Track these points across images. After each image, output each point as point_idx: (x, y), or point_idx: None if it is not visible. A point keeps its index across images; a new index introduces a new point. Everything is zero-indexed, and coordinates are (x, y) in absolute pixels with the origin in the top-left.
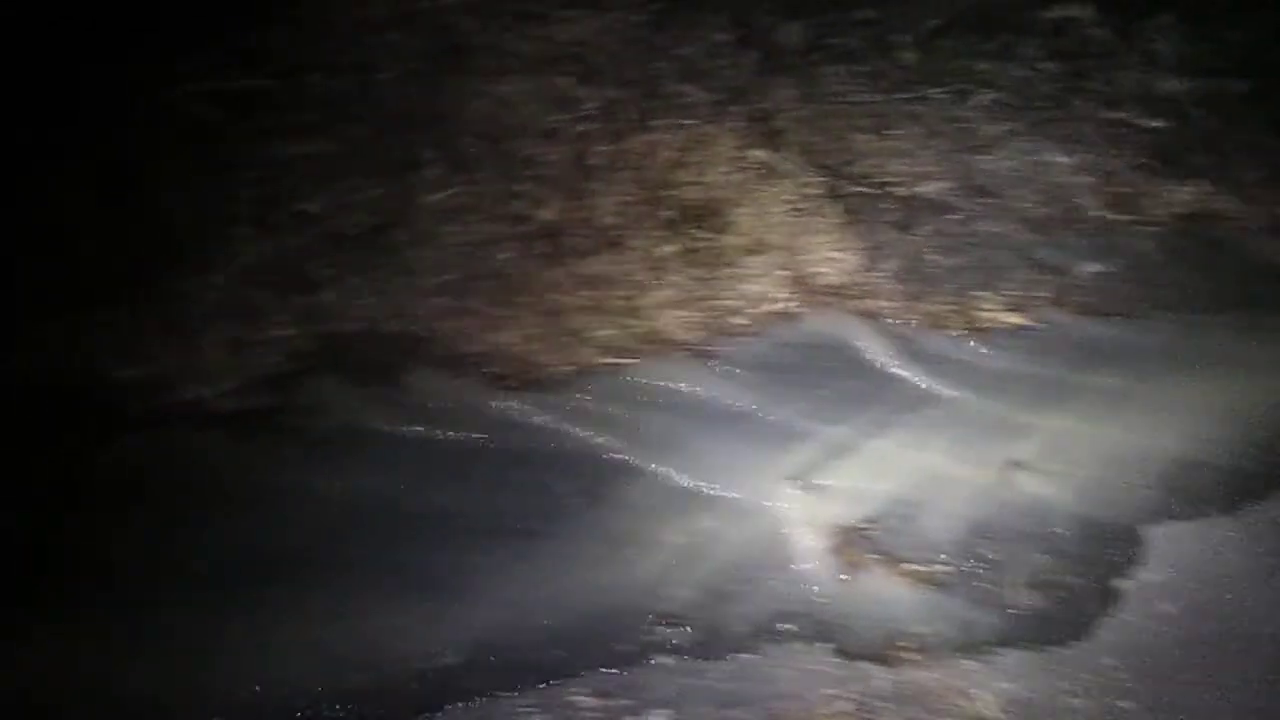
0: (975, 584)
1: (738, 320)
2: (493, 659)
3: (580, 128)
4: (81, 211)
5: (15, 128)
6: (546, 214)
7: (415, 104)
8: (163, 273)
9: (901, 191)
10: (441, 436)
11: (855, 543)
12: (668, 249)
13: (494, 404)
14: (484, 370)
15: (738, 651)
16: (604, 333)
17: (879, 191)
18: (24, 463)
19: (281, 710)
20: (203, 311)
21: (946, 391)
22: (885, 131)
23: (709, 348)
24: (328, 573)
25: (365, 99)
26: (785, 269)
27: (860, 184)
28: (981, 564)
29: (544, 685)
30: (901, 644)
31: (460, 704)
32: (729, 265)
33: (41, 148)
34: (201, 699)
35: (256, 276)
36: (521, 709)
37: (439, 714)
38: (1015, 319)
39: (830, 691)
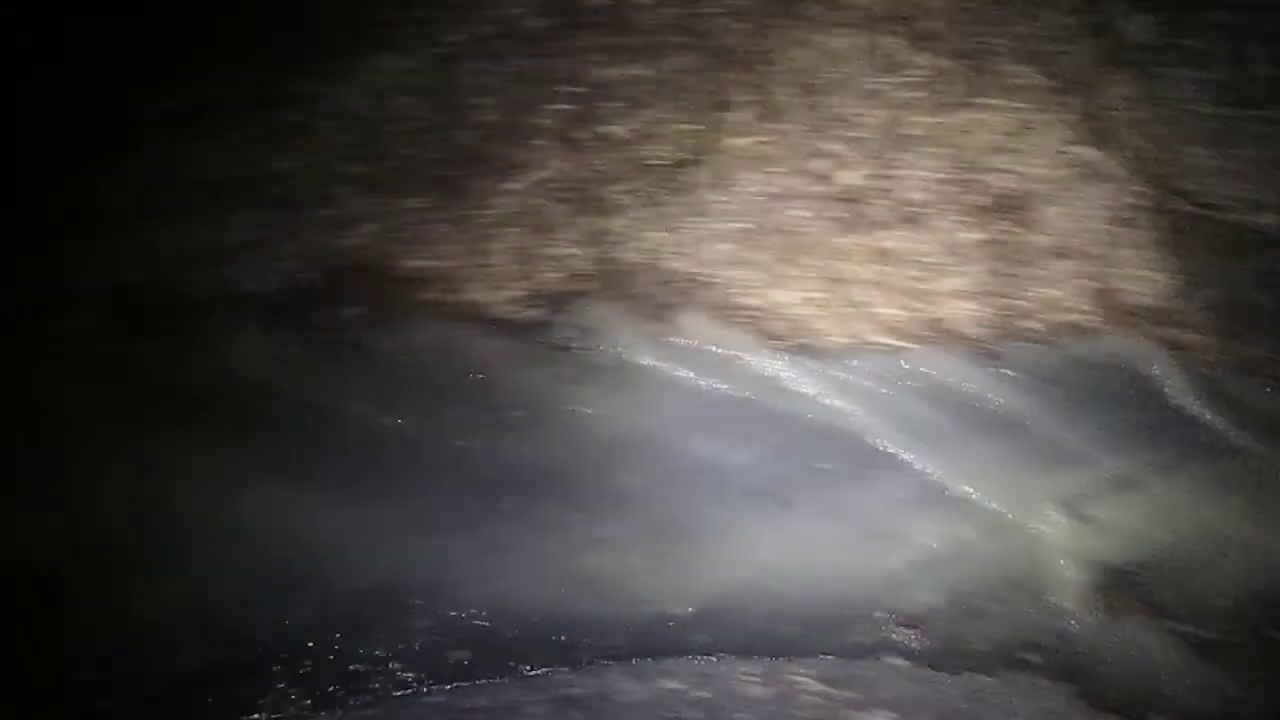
0: (1248, 658)
1: (1030, 324)
2: (723, 619)
3: (902, 94)
4: (402, 106)
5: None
6: (849, 178)
7: (738, 43)
8: (465, 173)
9: (1233, 218)
10: (706, 385)
11: (1121, 586)
12: (970, 236)
13: (763, 362)
14: (758, 326)
15: (975, 670)
16: (887, 311)
17: (1208, 213)
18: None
19: (513, 620)
20: (496, 216)
21: (1249, 444)
22: (1226, 149)
23: (995, 348)
24: (579, 497)
25: (689, 30)
26: (1091, 279)
27: (1189, 202)
28: (1259, 638)
29: (770, 658)
30: (1154, 705)
31: (682, 657)
32: (1031, 264)
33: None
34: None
35: (553, 191)
36: (742, 676)
37: (657, 661)
38: None
39: None
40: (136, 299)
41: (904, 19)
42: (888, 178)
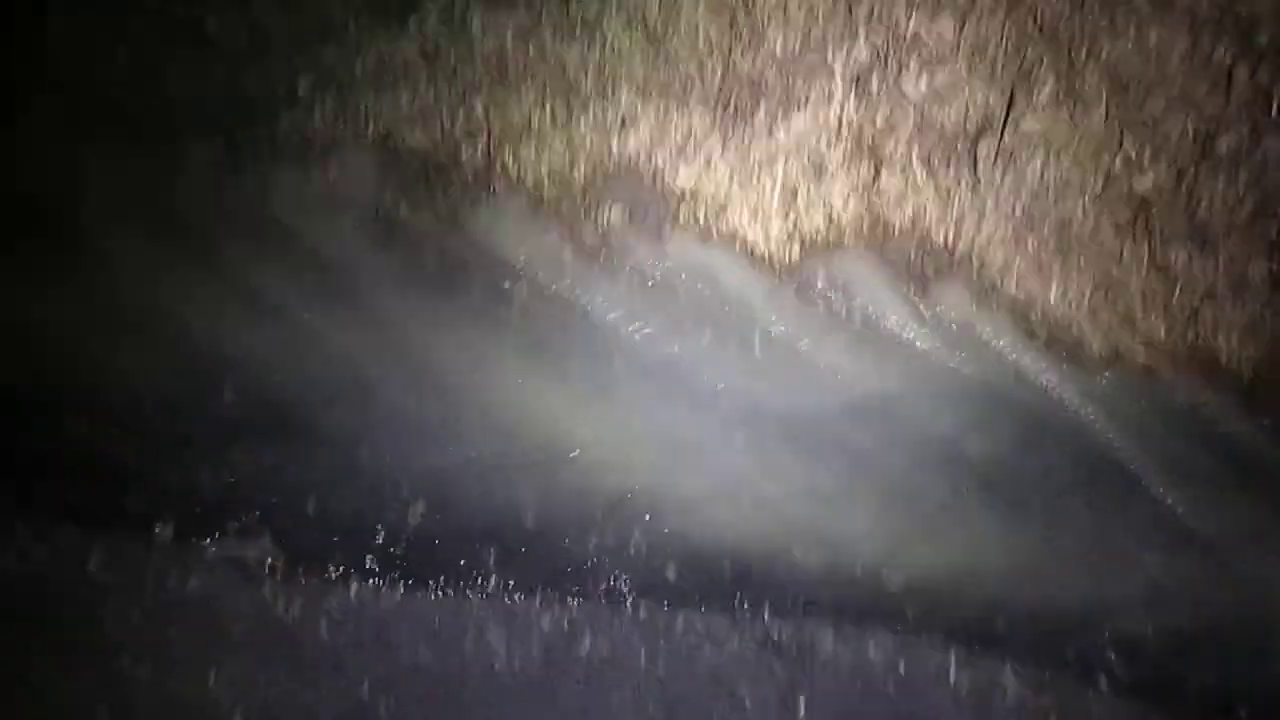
0: None
1: None
2: (935, 602)
3: (1217, 107)
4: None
5: None
6: (1143, 183)
7: (1054, 19)
8: (748, 99)
9: None
10: (952, 363)
11: None
12: (1260, 269)
13: (1015, 353)
14: (1016, 315)
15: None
16: (1156, 330)
17: None
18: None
19: (732, 554)
20: (771, 149)
21: None
22: None
23: (1265, 392)
24: (816, 450)
25: None
26: None
27: None
28: None
29: (974, 649)
30: None
31: (887, 629)
32: None
33: None
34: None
35: (832, 135)
36: (943, 662)
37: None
38: None
39: None
40: (418, 165)
41: (1234, 26)
42: (1185, 193)
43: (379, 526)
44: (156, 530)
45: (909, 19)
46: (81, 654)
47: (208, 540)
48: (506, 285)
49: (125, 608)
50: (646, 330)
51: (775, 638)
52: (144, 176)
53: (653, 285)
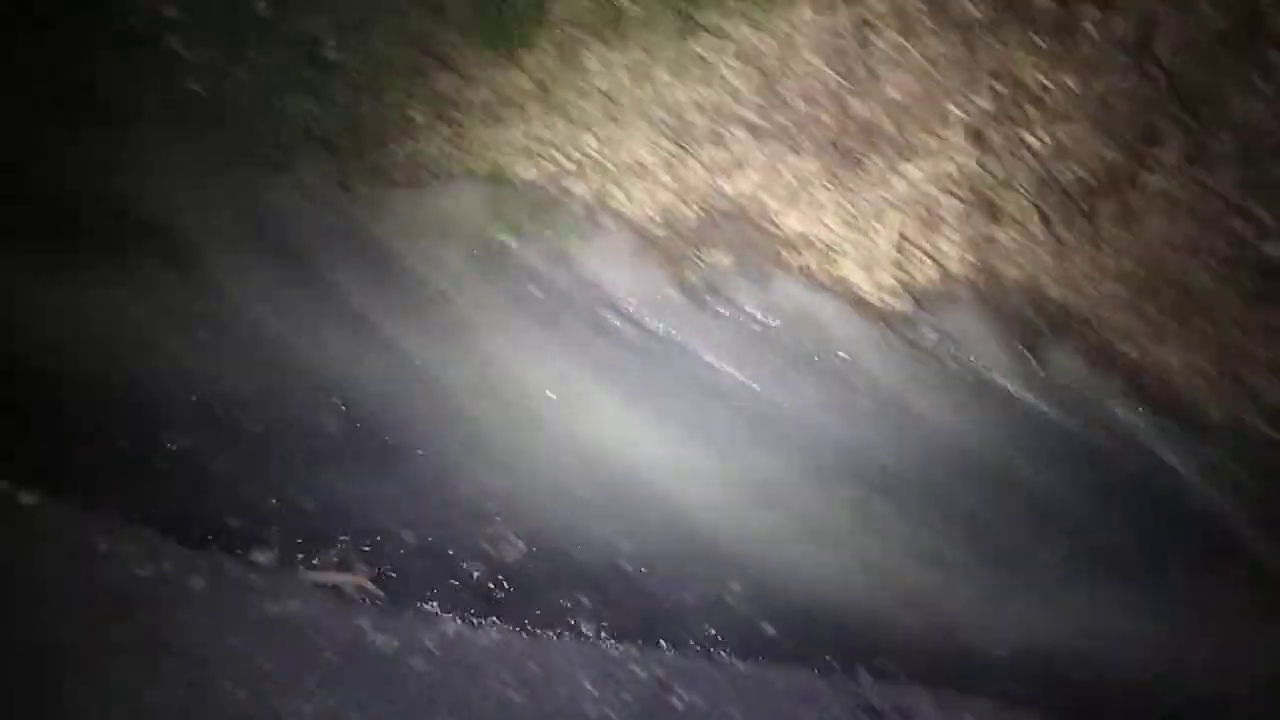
0: None
1: None
2: (1035, 670)
3: None
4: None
5: None
6: (1271, 249)
7: (1182, 76)
8: (862, 145)
9: None
10: (1063, 423)
11: None
12: None
13: (1128, 416)
14: (1131, 377)
15: None
16: (1277, 400)
17: None
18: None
19: (830, 611)
20: (885, 198)
21: None
22: None
23: None
24: (908, 503)
25: (1135, 52)
26: None
27: None
28: None
29: None
30: None
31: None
32: None
33: None
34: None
35: (949, 186)
36: None
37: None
38: None
39: None
40: (527, 198)
41: None
42: None
43: (476, 562)
44: (258, 553)
45: (1034, 72)
46: (180, 671)
47: (307, 566)
48: (611, 322)
49: (224, 628)
50: (749, 375)
51: (873, 702)
52: (257, 198)
53: (758, 329)
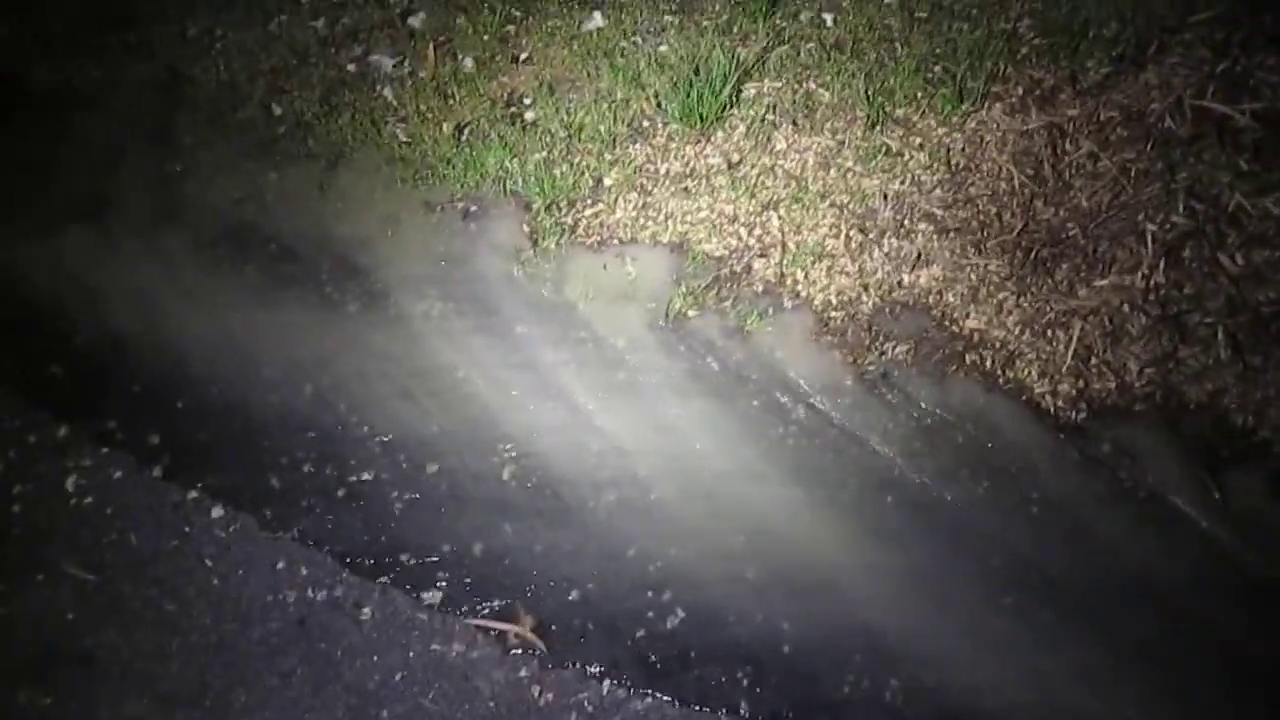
0: None
1: None
2: None
3: None
4: (998, 161)
5: None
6: None
7: None
8: (1051, 251)
9: None
10: (1235, 549)
11: None
12: None
13: None
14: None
15: None
16: None
17: None
18: (850, 350)
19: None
20: (1070, 306)
21: None
22: None
23: None
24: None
25: None
26: None
27: None
28: None
29: None
30: None
31: None
32: None
33: None
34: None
35: (1138, 301)
36: None
37: None
38: None
39: None
40: (711, 271)
41: None
42: None
43: (637, 627)
44: (427, 592)
45: (1233, 193)
46: (343, 697)
47: (473, 610)
48: (784, 403)
49: (390, 662)
50: (918, 468)
51: None
52: (449, 247)
53: (931, 424)
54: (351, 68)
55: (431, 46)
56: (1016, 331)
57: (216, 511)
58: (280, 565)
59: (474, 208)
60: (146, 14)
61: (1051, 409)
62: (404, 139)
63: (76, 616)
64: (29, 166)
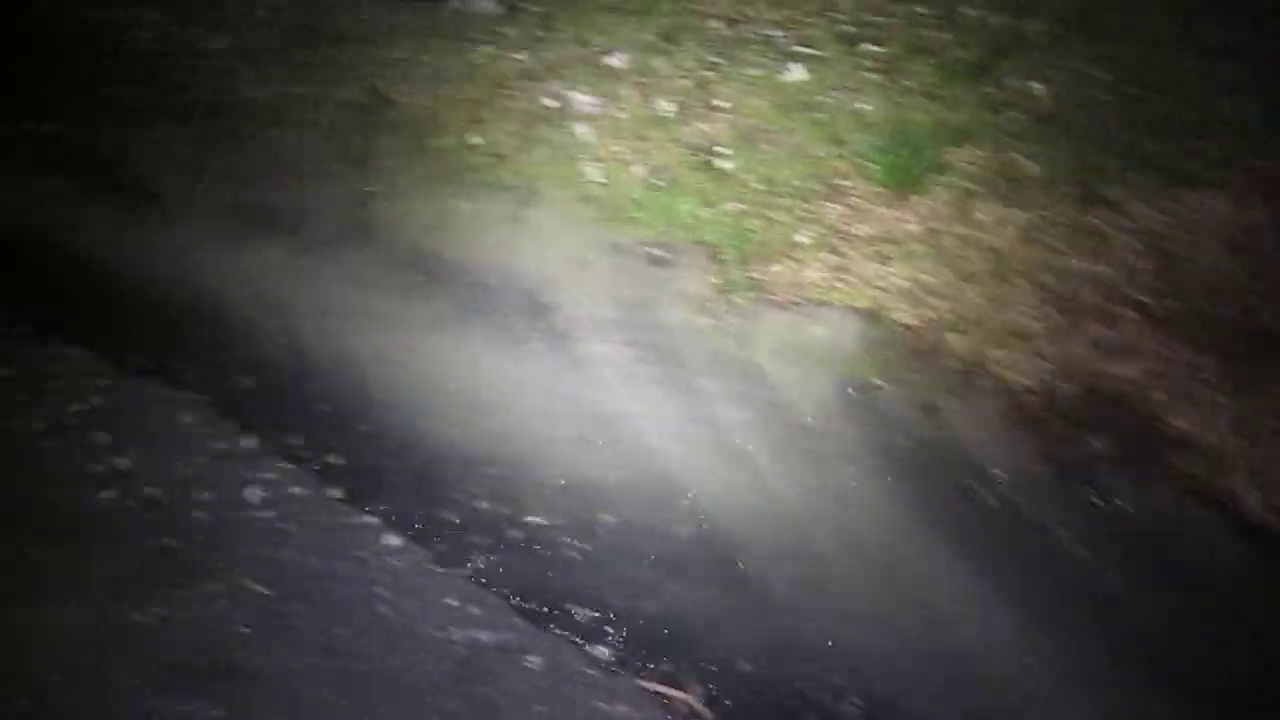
0: None
1: None
2: None
3: None
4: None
5: None
6: None
7: None
8: (1266, 355)
9: None
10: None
11: None
12: None
13: None
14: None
15: None
16: None
17: None
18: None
19: None
20: None
21: None
22: None
23: None
24: None
25: None
26: None
27: None
28: None
29: None
30: None
31: None
32: None
33: None
34: None
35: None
36: None
37: None
38: None
39: None
40: (904, 343)
41: None
42: None
43: (810, 712)
44: (595, 647)
45: None
46: None
47: (641, 671)
48: (974, 488)
49: (555, 714)
50: (1111, 570)
51: None
52: (636, 292)
53: (1128, 525)
54: (550, 103)
55: (630, 87)
56: (1230, 437)
57: (392, 540)
58: (451, 602)
59: (663, 254)
60: (355, 34)
61: (1262, 525)
62: (598, 178)
63: (249, 631)
64: (230, 178)
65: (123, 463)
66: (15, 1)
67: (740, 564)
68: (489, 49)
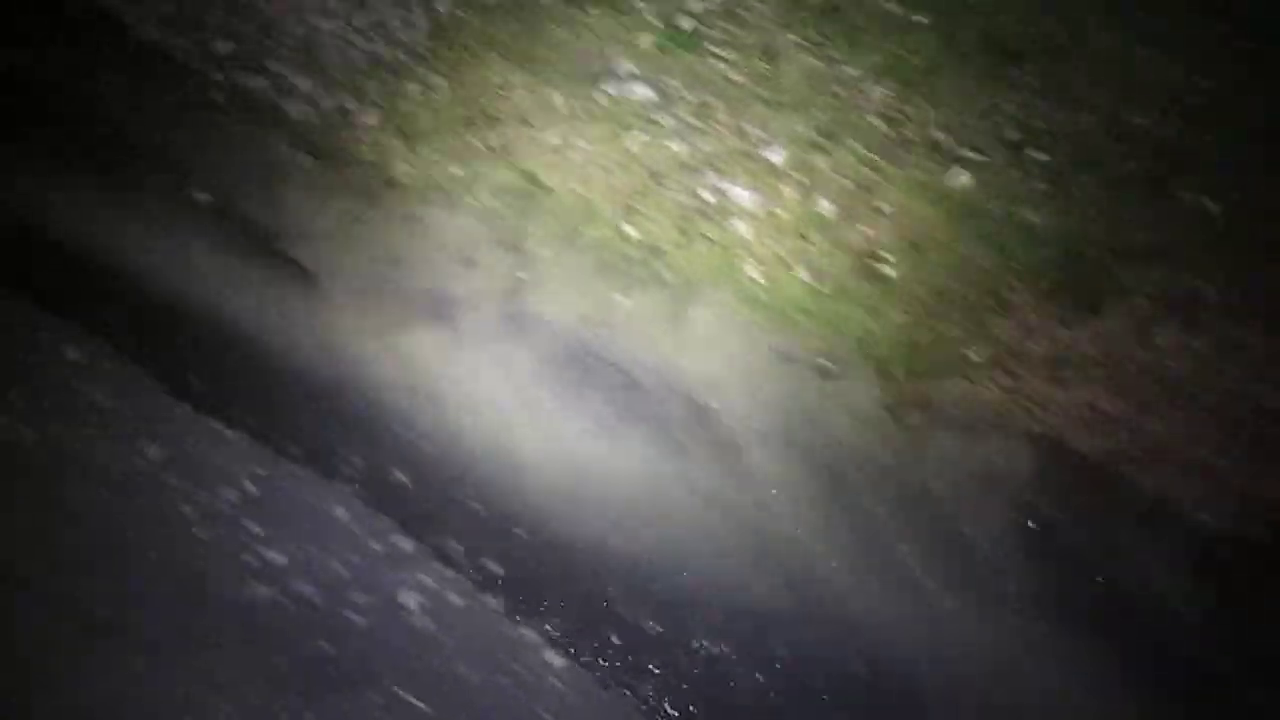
0: None
1: None
2: None
3: None
4: None
5: None
6: None
7: None
8: None
9: None
10: None
11: None
12: None
13: None
14: None
15: None
16: None
17: None
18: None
19: None
20: None
21: None
22: None
23: None
24: None
25: None
26: None
27: None
28: None
29: None
30: None
31: None
32: None
33: None
34: None
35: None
36: None
37: None
38: None
39: None
40: (1084, 475)
41: None
42: None
43: None
44: None
45: None
46: None
47: None
48: (1160, 636)
49: None
50: None
51: None
52: (804, 405)
53: None
54: (708, 197)
55: (789, 184)
56: None
57: (554, 659)
58: None
59: (829, 364)
60: (512, 117)
61: None
62: (759, 279)
63: None
64: (383, 259)
65: (276, 557)
66: (175, 68)
67: (925, 708)
68: (644, 137)
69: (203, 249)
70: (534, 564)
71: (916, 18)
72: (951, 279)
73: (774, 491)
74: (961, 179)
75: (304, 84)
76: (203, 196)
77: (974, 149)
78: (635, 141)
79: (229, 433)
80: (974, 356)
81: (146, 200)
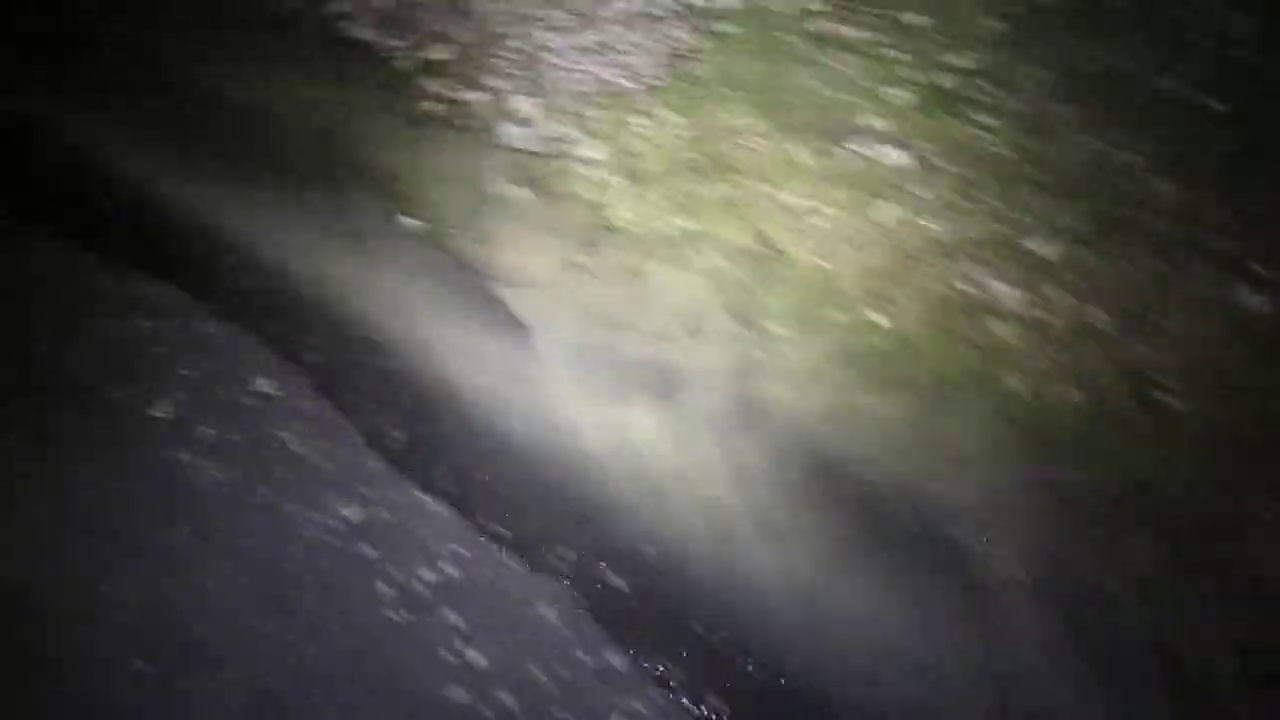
0: None
1: None
2: None
3: None
4: None
5: None
6: None
7: None
8: None
9: None
10: None
11: None
12: None
13: None
14: None
15: None
16: None
17: None
18: None
19: None
20: None
21: None
22: None
23: None
24: None
25: None
26: None
27: None
28: None
29: None
30: None
31: None
32: None
33: None
34: None
35: None
36: None
37: None
38: None
39: None
40: None
41: None
42: None
43: None
44: None
45: None
46: None
47: None
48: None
49: None
50: None
51: None
52: (1072, 556)
53: None
54: (965, 288)
55: (1058, 286)
56: None
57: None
58: None
59: (1101, 506)
60: (750, 168)
61: None
62: (1021, 393)
63: None
64: (602, 318)
65: (477, 658)
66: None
67: None
68: (896, 210)
69: (411, 282)
70: (760, 706)
71: (1212, 104)
72: (1247, 421)
73: (1029, 652)
74: (1254, 301)
75: (524, 105)
76: (412, 223)
77: (1269, 265)
78: (886, 213)
79: (429, 500)
80: (1265, 515)
81: (353, 220)
